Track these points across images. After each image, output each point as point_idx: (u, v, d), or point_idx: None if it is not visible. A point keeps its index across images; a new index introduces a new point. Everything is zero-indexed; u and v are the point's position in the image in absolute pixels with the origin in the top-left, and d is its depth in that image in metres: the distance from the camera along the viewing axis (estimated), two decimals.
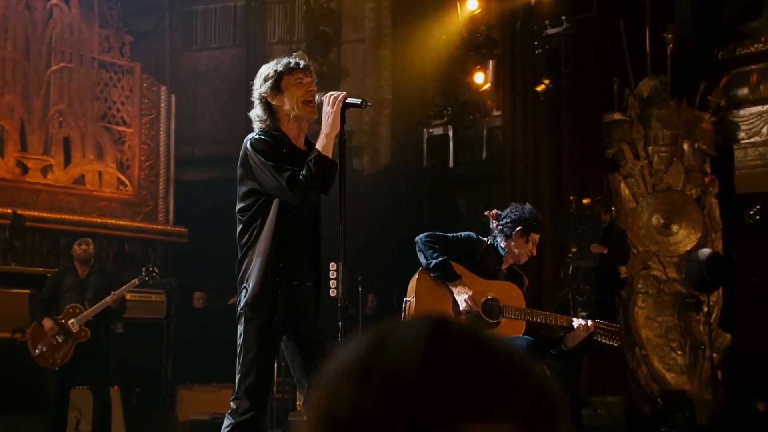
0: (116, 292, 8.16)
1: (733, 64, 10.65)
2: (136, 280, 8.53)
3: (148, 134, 12.46)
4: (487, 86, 11.83)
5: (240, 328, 4.25)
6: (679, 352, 10.28)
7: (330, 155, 4.25)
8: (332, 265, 4.15)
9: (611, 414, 9.48)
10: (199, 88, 13.40)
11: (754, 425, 9.44)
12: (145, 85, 12.49)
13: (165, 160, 12.55)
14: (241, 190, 4.31)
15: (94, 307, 8.11)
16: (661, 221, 10.45)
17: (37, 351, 8.13)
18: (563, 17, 10.42)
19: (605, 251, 9.55)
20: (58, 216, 11.33)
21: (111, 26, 12.27)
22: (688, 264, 10.14)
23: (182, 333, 10.87)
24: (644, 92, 10.67)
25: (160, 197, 12.48)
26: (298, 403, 9.13)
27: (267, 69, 4.37)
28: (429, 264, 5.42)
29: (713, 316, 10.20)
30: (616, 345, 5.61)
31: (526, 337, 5.39)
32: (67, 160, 11.72)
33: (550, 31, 10.48)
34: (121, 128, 12.28)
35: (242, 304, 4.22)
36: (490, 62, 11.66)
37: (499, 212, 5.74)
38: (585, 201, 9.67)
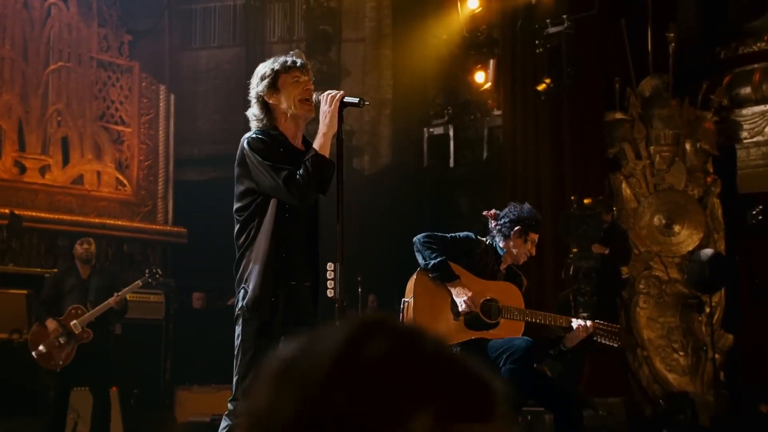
0: (119, 294, 8.14)
1: (736, 63, 10.61)
2: (139, 282, 8.53)
3: (147, 134, 12.42)
4: (487, 85, 11.81)
5: (238, 329, 4.22)
6: (681, 353, 10.24)
7: (327, 155, 4.24)
8: (329, 266, 4.12)
9: (613, 415, 9.45)
10: (198, 87, 13.39)
11: (757, 427, 9.41)
12: (144, 84, 12.45)
13: (164, 160, 12.51)
14: (238, 189, 4.28)
15: (97, 308, 8.08)
16: (663, 221, 10.41)
17: (38, 352, 8.10)
18: (564, 16, 10.40)
19: (606, 251, 9.53)
20: (57, 216, 11.29)
21: (110, 25, 12.23)
22: (690, 264, 10.11)
23: (181, 334, 10.82)
24: (646, 91, 10.64)
25: (159, 197, 12.44)
26: None
27: (264, 67, 4.35)
28: (427, 264, 5.39)
29: (715, 317, 10.17)
30: (616, 346, 5.57)
31: (525, 338, 5.34)
32: (66, 160, 11.67)
33: (551, 30, 10.46)
34: (120, 128, 12.23)
35: (240, 304, 4.19)
36: (491, 61, 11.64)
37: (498, 212, 5.70)
38: (586, 201, 9.66)
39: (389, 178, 12.83)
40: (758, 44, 10.59)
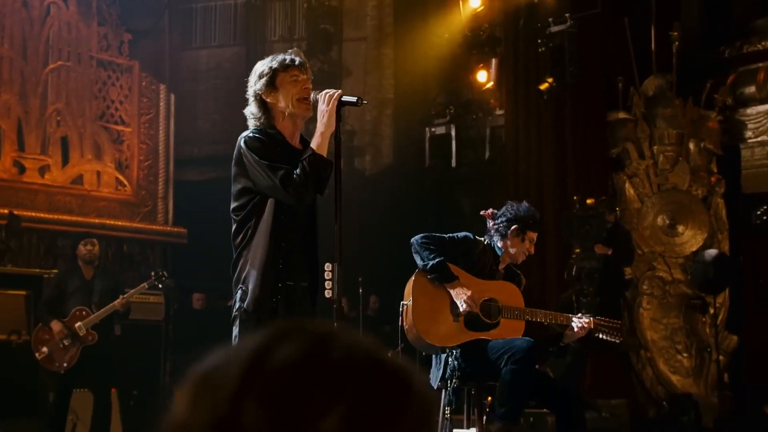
0: (125, 296, 8.14)
1: (740, 61, 10.56)
2: (145, 284, 8.56)
3: (147, 134, 12.39)
4: (489, 85, 11.80)
5: (235, 330, 4.19)
6: (684, 355, 10.20)
7: (325, 154, 4.19)
8: (327, 266, 4.10)
9: (616, 417, 9.44)
10: (198, 87, 13.37)
11: (761, 428, 9.36)
12: (144, 83, 12.42)
13: (164, 160, 12.49)
14: (235, 188, 4.26)
15: (102, 310, 8.06)
16: (667, 221, 10.37)
17: (41, 354, 8.07)
18: (567, 15, 10.39)
19: (609, 252, 9.50)
20: (56, 216, 11.26)
21: (109, 24, 12.19)
22: (694, 265, 10.08)
23: (181, 334, 10.76)
24: (649, 91, 10.59)
25: (159, 197, 12.42)
26: None
27: (262, 66, 4.31)
28: (426, 265, 5.35)
29: (720, 317, 10.13)
30: (618, 341, 5.55)
31: (527, 338, 5.30)
32: (65, 160, 11.64)
33: (554, 28, 10.45)
34: (120, 128, 12.20)
35: (238, 305, 4.17)
36: (493, 60, 11.63)
37: (495, 211, 5.67)
38: (589, 201, 9.63)
39: (390, 178, 12.80)
40: (763, 43, 10.53)
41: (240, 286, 4.16)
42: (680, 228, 10.38)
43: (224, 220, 4.39)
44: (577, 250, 9.51)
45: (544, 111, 10.94)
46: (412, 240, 5.44)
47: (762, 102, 10.41)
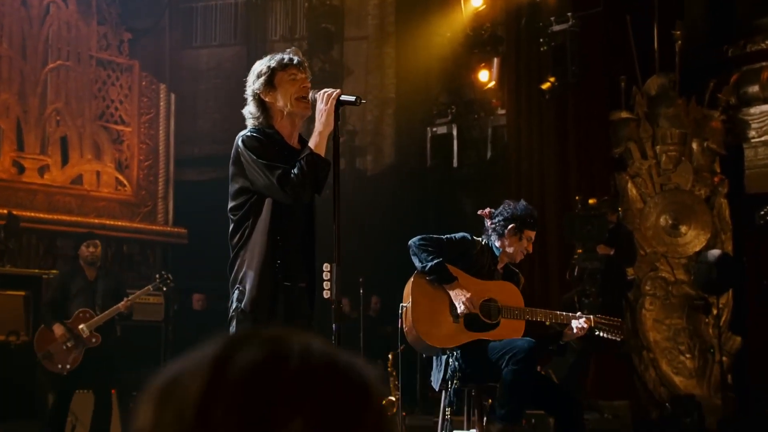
0: (129, 299, 8.14)
1: (744, 60, 10.50)
2: (150, 287, 8.60)
3: (147, 133, 12.37)
4: (491, 84, 11.77)
5: (232, 331, 4.15)
6: (687, 356, 10.16)
7: (323, 154, 4.18)
8: (326, 266, 4.08)
9: (618, 418, 9.41)
10: (199, 86, 13.35)
11: (765, 430, 9.32)
12: (144, 83, 12.40)
13: (164, 160, 12.47)
14: (233, 188, 4.26)
15: (106, 312, 8.06)
16: (670, 222, 10.34)
17: (44, 355, 8.06)
18: (569, 13, 10.34)
19: (612, 252, 9.48)
20: (55, 217, 11.25)
21: (109, 23, 12.16)
22: (697, 265, 10.03)
23: (181, 335, 10.71)
24: (652, 90, 10.55)
25: (159, 197, 12.40)
26: None
27: (260, 65, 4.32)
28: (424, 267, 5.34)
29: (723, 318, 10.09)
30: (618, 339, 5.53)
31: (528, 338, 5.29)
32: (65, 160, 11.61)
33: (556, 27, 10.41)
34: (120, 127, 12.18)
35: (235, 305, 4.16)
36: (495, 60, 11.61)
37: (493, 211, 5.65)
38: (591, 201, 9.61)
39: (392, 178, 12.78)
40: (766, 42, 10.47)
41: (237, 286, 4.16)
42: (683, 228, 10.34)
43: (225, 221, 4.40)
44: (579, 251, 9.49)
45: (546, 110, 10.91)
46: (410, 242, 5.44)
47: (766, 101, 10.35)
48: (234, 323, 4.15)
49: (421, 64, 12.57)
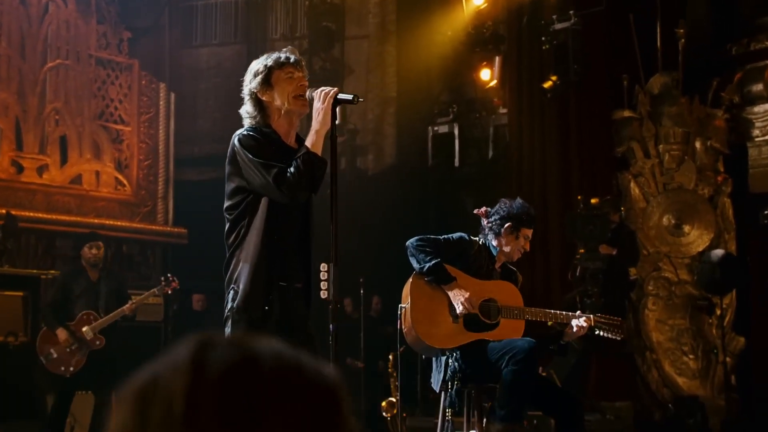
0: (134, 302, 8.17)
1: (747, 59, 10.45)
2: (155, 290, 8.63)
3: (147, 133, 12.34)
4: (493, 83, 11.78)
5: (227, 331, 4.16)
6: (691, 356, 10.13)
7: (320, 153, 4.16)
8: (323, 266, 4.05)
9: (620, 420, 9.45)
10: (199, 85, 13.33)
11: None
12: (143, 82, 12.37)
13: (164, 160, 12.45)
14: (229, 187, 4.24)
15: (111, 315, 8.06)
16: (673, 221, 10.29)
17: (46, 357, 8.04)
18: (571, 12, 10.35)
19: (614, 252, 9.47)
20: (55, 217, 11.22)
21: (109, 22, 12.13)
22: (701, 265, 10.00)
23: (181, 336, 10.65)
24: (655, 89, 10.50)
25: (159, 197, 12.37)
26: None
27: (257, 64, 4.31)
28: (422, 268, 5.32)
29: (726, 319, 10.04)
30: (618, 338, 5.52)
31: (528, 338, 5.26)
32: (64, 160, 11.58)
33: (558, 26, 10.41)
34: (119, 127, 12.14)
35: (230, 305, 4.15)
36: (497, 58, 11.60)
37: (489, 209, 5.63)
38: (593, 201, 9.60)
39: (393, 177, 12.75)
40: None
41: (232, 286, 4.15)
42: (686, 228, 10.30)
43: (224, 221, 4.36)
44: (581, 251, 9.48)
45: (548, 109, 10.90)
46: (408, 243, 5.42)
47: None
48: (229, 323, 4.12)
49: (423, 63, 12.55)
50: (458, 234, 5.54)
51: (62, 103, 11.59)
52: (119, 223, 11.78)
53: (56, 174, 11.46)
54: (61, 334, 7.96)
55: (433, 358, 5.54)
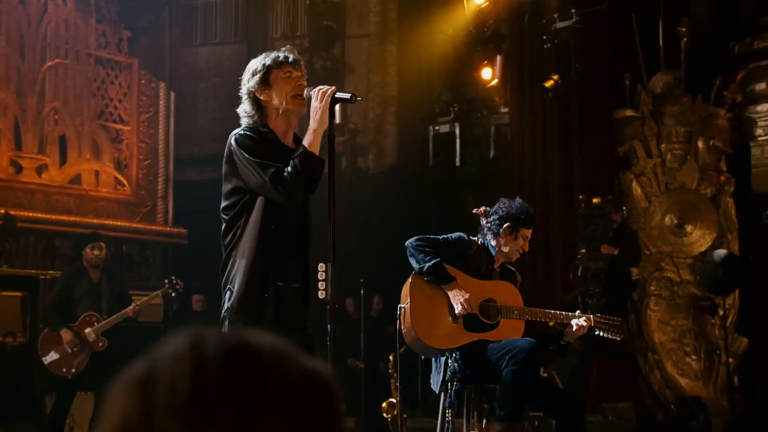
0: (138, 304, 8.16)
1: (751, 58, 10.41)
2: (159, 293, 8.61)
3: (147, 132, 12.32)
4: (494, 82, 11.75)
5: None
6: (693, 357, 10.10)
7: (317, 152, 4.13)
8: (321, 266, 4.02)
9: (623, 421, 9.41)
10: (199, 84, 13.30)
11: None
12: (143, 81, 12.35)
13: (164, 159, 12.43)
14: (226, 187, 4.23)
15: (114, 317, 8.05)
16: (675, 221, 10.26)
17: (48, 358, 8.00)
18: (573, 10, 10.31)
19: (616, 252, 9.44)
20: (54, 217, 11.22)
21: (108, 21, 12.12)
22: (703, 265, 9.98)
23: None
24: (657, 88, 10.47)
25: (158, 197, 12.36)
26: None
27: (255, 63, 4.29)
28: (422, 268, 5.29)
29: (729, 319, 10.02)
30: (618, 339, 5.50)
31: (528, 339, 5.24)
32: (63, 159, 11.57)
33: (560, 24, 10.38)
34: (119, 126, 12.13)
35: (226, 306, 4.13)
36: (498, 57, 11.58)
37: (488, 209, 5.61)
38: (595, 200, 9.58)
39: (394, 177, 12.73)
40: None
41: (228, 286, 4.14)
42: (688, 228, 10.26)
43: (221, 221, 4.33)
44: (583, 251, 9.46)
45: (549, 109, 10.86)
46: (407, 243, 5.39)
47: None
48: (226, 324, 4.10)
49: (424, 62, 12.53)
50: (457, 234, 5.51)
51: (61, 103, 11.58)
52: (119, 223, 11.77)
53: (55, 174, 11.44)
54: (66, 334, 7.93)
55: (433, 359, 5.52)
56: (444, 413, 5.42)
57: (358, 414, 10.28)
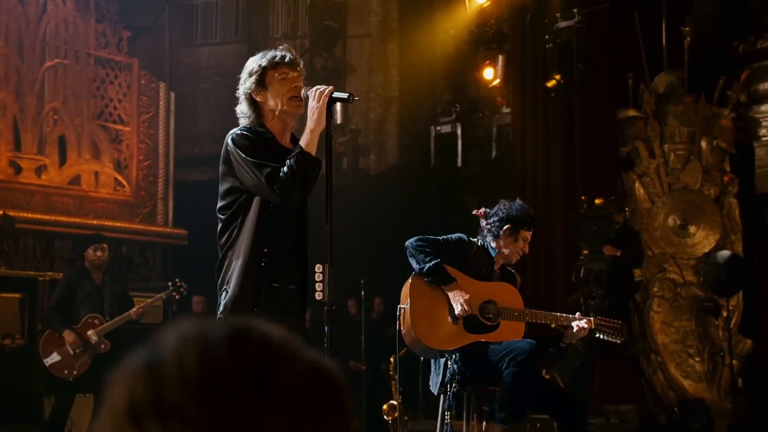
0: (141, 306, 8.14)
1: (754, 57, 10.38)
2: (163, 295, 8.58)
3: (147, 133, 12.29)
4: (496, 82, 11.78)
5: None
6: (697, 359, 10.06)
7: (314, 152, 4.12)
8: (318, 267, 4.00)
9: (625, 423, 9.42)
10: (199, 84, 13.30)
11: None
12: (143, 81, 12.32)
13: (164, 160, 12.40)
14: (222, 187, 4.23)
15: (117, 319, 8.03)
16: (678, 222, 10.22)
17: (50, 360, 7.97)
18: (575, 10, 10.32)
19: (618, 253, 9.42)
20: (53, 218, 11.19)
21: (108, 21, 12.10)
22: (707, 266, 9.94)
23: None
24: (660, 88, 10.43)
25: (158, 198, 12.34)
26: None
27: (252, 63, 4.28)
28: (422, 268, 5.26)
29: (733, 321, 9.99)
30: (619, 341, 5.48)
31: (529, 340, 5.22)
32: (62, 160, 11.54)
33: (562, 24, 10.38)
34: (119, 127, 12.10)
35: (222, 307, 4.13)
36: (500, 57, 11.60)
37: (488, 210, 5.57)
38: (597, 201, 9.56)
39: (395, 177, 12.72)
40: None
41: (224, 287, 4.14)
42: (692, 228, 10.22)
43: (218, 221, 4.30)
44: (585, 252, 9.43)
45: (551, 109, 10.86)
46: (407, 243, 5.36)
47: None
48: None
49: (425, 62, 12.53)
50: (457, 234, 5.49)
51: (61, 103, 11.55)
52: (119, 224, 11.73)
53: (55, 174, 11.41)
54: (69, 336, 7.90)
55: (432, 360, 5.50)
56: (443, 415, 5.40)
57: (359, 416, 10.23)
